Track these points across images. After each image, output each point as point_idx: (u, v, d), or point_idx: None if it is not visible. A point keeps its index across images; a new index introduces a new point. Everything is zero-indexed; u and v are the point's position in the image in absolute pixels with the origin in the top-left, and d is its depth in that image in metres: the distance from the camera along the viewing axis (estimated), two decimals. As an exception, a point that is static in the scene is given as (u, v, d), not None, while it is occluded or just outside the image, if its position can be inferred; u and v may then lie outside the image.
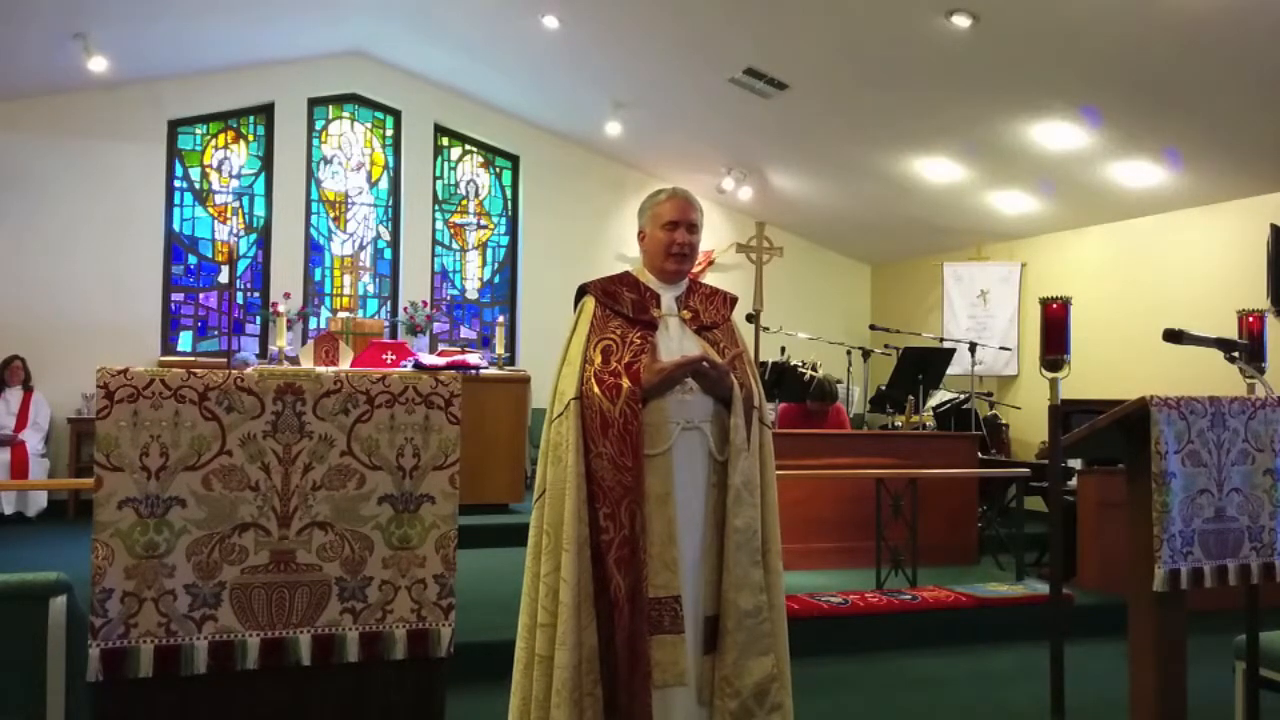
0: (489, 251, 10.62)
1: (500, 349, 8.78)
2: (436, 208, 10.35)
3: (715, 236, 10.65)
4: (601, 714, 2.47)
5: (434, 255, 10.32)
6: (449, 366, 7.24)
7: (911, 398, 7.65)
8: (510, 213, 10.67)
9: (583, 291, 2.83)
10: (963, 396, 8.54)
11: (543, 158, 10.47)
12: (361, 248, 10.17)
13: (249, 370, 2.51)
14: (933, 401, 8.42)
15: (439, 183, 10.38)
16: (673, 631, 2.54)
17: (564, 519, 2.52)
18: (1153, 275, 8.33)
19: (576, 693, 2.45)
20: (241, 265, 9.68)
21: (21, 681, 2.19)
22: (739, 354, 2.78)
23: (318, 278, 9.98)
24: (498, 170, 10.63)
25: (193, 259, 9.57)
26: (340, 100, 10.02)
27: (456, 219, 10.49)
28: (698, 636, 2.59)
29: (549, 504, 2.58)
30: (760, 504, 2.67)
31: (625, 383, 2.57)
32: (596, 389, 2.58)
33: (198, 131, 9.59)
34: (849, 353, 8.93)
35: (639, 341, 2.67)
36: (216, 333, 9.60)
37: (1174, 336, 3.07)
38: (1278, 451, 2.72)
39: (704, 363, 2.60)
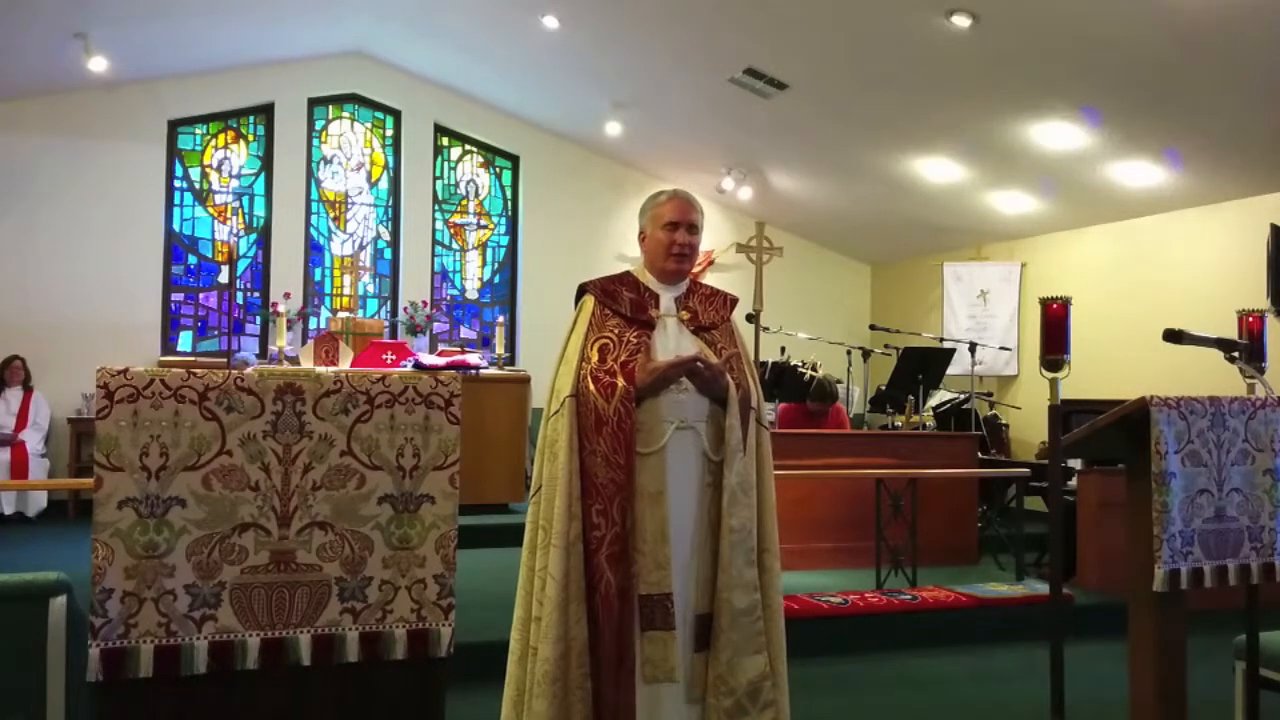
0: (489, 251, 10.62)
1: (500, 349, 8.79)
2: (436, 208, 10.34)
3: (715, 236, 10.65)
4: (591, 708, 2.50)
5: (434, 255, 10.31)
6: (449, 366, 7.24)
7: (911, 398, 7.65)
8: (510, 213, 10.66)
9: (583, 290, 2.84)
10: (963, 396, 8.54)
11: (543, 158, 10.47)
12: (361, 248, 10.17)
13: (249, 370, 2.51)
14: (933, 401, 8.42)
15: (439, 183, 10.37)
16: (664, 628, 2.56)
17: (554, 514, 2.54)
18: (1153, 275, 8.33)
19: (557, 685, 2.47)
20: (241, 265, 9.67)
21: (21, 681, 2.19)
22: (736, 354, 2.78)
23: (318, 278, 9.98)
24: (498, 170, 10.63)
25: (193, 259, 9.57)
26: (340, 100, 10.01)
27: (456, 219, 10.48)
28: (688, 635, 2.61)
29: (544, 500, 2.60)
30: (757, 505, 2.68)
31: (620, 381, 2.58)
32: (592, 387, 2.60)
33: (198, 131, 9.59)
34: (849, 353, 8.92)
35: (635, 341, 2.68)
36: (216, 333, 9.59)
37: (1174, 336, 3.07)
38: (1278, 451, 2.72)
39: (698, 362, 2.60)
